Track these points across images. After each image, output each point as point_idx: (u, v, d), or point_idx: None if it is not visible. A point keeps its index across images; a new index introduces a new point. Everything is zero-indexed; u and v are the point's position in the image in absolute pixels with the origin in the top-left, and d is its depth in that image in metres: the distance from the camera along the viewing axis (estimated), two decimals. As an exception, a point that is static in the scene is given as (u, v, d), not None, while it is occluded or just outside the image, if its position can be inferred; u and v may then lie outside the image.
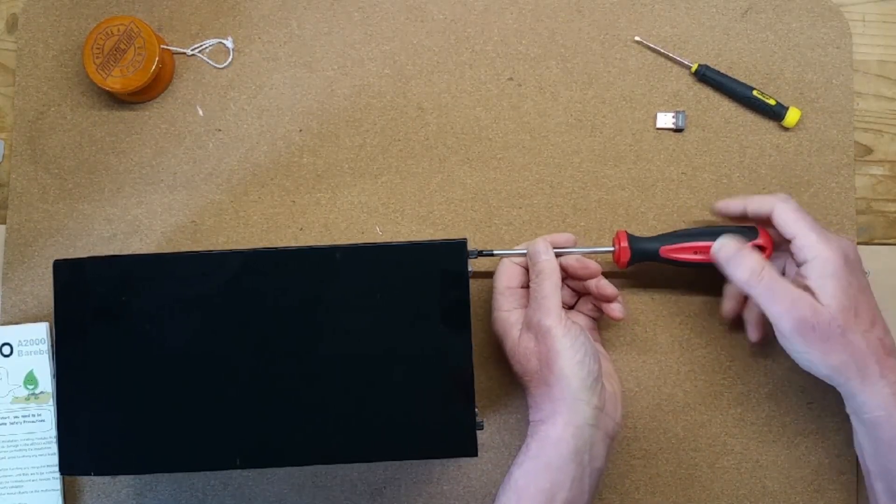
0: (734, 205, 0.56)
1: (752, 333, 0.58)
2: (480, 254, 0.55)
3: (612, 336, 0.60)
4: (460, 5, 0.62)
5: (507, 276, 0.56)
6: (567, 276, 0.56)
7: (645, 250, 0.56)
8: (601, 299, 0.56)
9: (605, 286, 0.55)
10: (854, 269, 0.51)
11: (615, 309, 0.56)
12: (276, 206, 0.61)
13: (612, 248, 0.57)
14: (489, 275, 0.60)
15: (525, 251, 0.55)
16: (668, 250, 0.55)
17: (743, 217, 0.56)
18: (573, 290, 0.58)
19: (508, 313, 0.55)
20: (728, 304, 0.58)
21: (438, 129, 0.62)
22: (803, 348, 0.51)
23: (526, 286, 0.56)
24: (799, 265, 0.52)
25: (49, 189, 0.61)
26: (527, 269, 0.56)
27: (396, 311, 0.50)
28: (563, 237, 0.56)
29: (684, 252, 0.55)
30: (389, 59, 0.62)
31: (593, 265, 0.55)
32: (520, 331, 0.54)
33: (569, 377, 0.51)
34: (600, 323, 0.60)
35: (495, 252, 0.56)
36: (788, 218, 0.52)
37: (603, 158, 0.61)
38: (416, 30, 0.62)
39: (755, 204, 0.55)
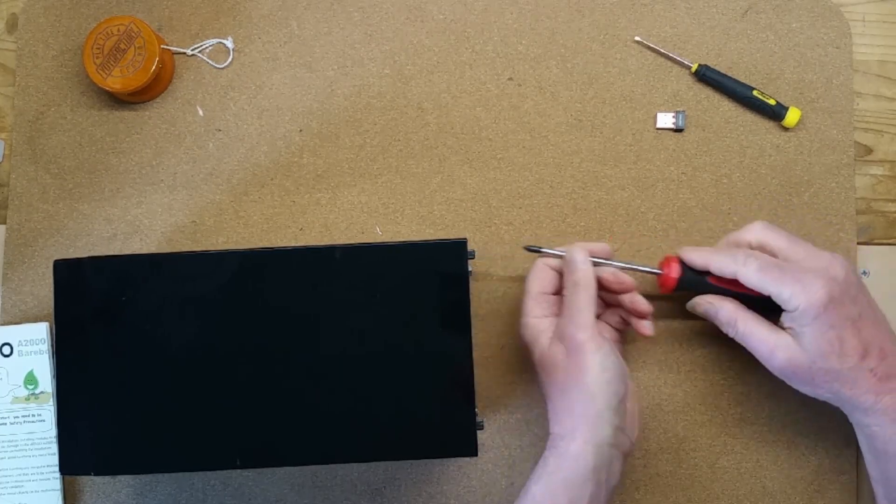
0: (698, 259, 0.53)
1: None
2: (530, 249, 0.55)
3: (612, 336, 0.60)
4: (460, 5, 0.62)
5: (541, 281, 0.55)
6: (600, 287, 0.54)
7: (695, 282, 0.54)
8: (633, 314, 0.55)
9: (640, 302, 0.54)
10: (841, 303, 0.49)
11: (645, 326, 0.55)
12: (276, 206, 0.61)
13: (658, 271, 0.55)
14: (489, 275, 0.61)
15: (563, 253, 0.54)
16: (717, 280, 0.54)
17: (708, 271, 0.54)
18: (603, 300, 0.57)
19: (539, 320, 0.54)
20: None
21: (438, 129, 0.62)
22: (792, 384, 0.53)
23: (559, 293, 0.55)
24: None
25: (49, 189, 0.61)
26: (561, 275, 0.55)
27: (396, 311, 0.50)
28: (599, 246, 0.55)
29: (737, 285, 0.53)
30: (389, 59, 0.62)
31: (628, 280, 0.54)
32: (549, 339, 0.53)
33: (595, 395, 0.50)
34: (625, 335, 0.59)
35: (542, 249, 0.55)
36: (754, 281, 0.51)
37: (603, 158, 0.62)
38: (416, 30, 0.62)
39: (717, 265, 0.52)
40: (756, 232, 0.53)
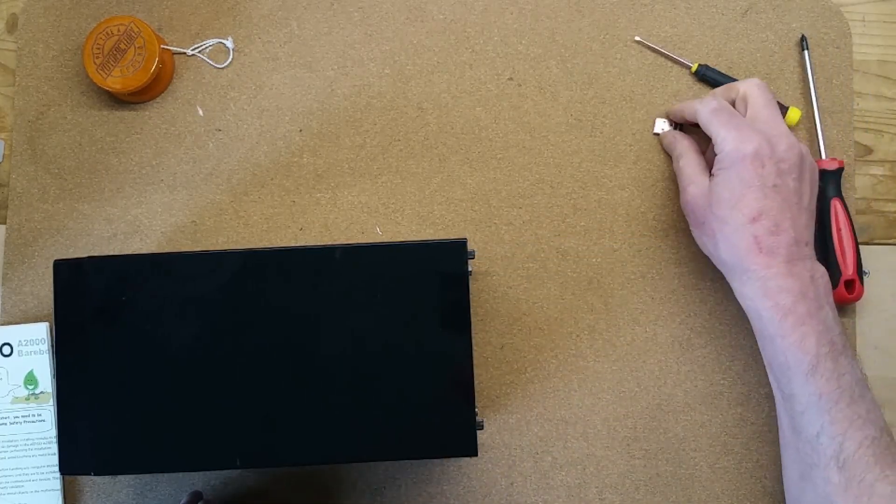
0: (675, 112, 0.60)
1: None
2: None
3: (613, 336, 0.60)
4: (460, 5, 0.62)
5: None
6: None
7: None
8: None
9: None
10: (762, 165, 0.51)
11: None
12: (276, 206, 0.61)
13: None
14: (489, 275, 0.61)
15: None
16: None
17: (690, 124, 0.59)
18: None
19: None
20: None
21: (438, 129, 0.62)
22: (690, 225, 0.57)
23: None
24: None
25: (49, 189, 0.61)
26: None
27: (396, 311, 0.50)
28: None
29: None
30: (389, 59, 0.62)
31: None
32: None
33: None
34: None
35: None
36: (705, 119, 0.54)
37: (603, 158, 0.62)
38: (416, 30, 0.62)
39: (686, 113, 0.58)
40: (748, 85, 0.55)
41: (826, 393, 0.50)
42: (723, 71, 0.61)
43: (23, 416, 0.59)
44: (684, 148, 0.58)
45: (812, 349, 0.50)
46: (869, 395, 0.51)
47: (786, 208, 0.51)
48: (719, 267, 0.55)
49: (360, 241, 0.59)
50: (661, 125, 0.61)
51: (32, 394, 0.59)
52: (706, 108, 0.54)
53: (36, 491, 0.59)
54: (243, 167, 0.61)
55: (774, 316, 0.51)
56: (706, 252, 0.56)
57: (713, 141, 0.54)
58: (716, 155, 0.53)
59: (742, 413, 0.60)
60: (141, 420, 0.50)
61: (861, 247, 0.60)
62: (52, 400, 0.59)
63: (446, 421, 0.50)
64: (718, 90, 0.58)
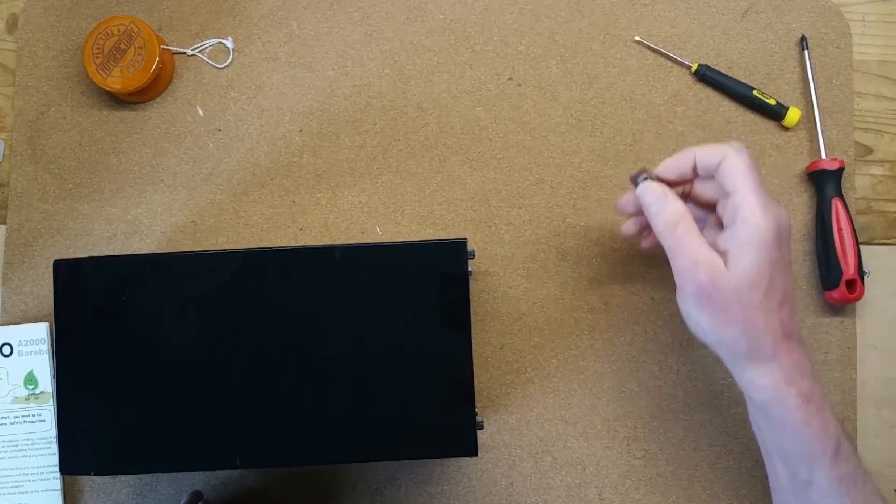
0: (683, 158, 0.50)
1: (644, 243, 0.56)
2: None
3: (613, 336, 0.60)
4: (460, 5, 0.62)
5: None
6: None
7: None
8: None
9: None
10: (782, 244, 0.47)
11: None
12: (276, 206, 0.61)
13: None
14: (489, 275, 0.60)
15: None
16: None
17: (690, 173, 0.50)
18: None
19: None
20: (631, 225, 0.54)
21: (438, 129, 0.62)
22: (696, 312, 0.47)
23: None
24: (726, 225, 0.48)
25: (49, 189, 0.61)
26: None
27: (396, 311, 0.50)
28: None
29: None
30: (389, 59, 0.62)
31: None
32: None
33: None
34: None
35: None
36: (737, 171, 0.47)
37: (603, 158, 0.62)
38: (416, 30, 0.62)
39: (704, 155, 0.49)
40: (735, 148, 0.48)
41: (846, 474, 0.48)
42: (723, 71, 0.61)
43: (23, 416, 0.59)
44: (678, 212, 0.48)
45: (834, 431, 0.48)
46: (862, 464, 0.50)
47: (790, 284, 0.48)
48: (725, 357, 0.49)
49: (360, 241, 0.59)
50: (642, 181, 0.50)
51: (32, 394, 0.59)
52: (742, 156, 0.47)
53: (36, 491, 0.59)
54: (243, 167, 0.61)
55: (800, 403, 0.47)
56: (703, 337, 0.49)
57: (734, 200, 0.47)
58: (727, 221, 0.47)
59: (742, 413, 0.60)
60: (141, 420, 0.50)
61: (861, 247, 0.60)
62: (52, 400, 0.59)
63: (446, 421, 0.50)
64: (699, 151, 0.50)
